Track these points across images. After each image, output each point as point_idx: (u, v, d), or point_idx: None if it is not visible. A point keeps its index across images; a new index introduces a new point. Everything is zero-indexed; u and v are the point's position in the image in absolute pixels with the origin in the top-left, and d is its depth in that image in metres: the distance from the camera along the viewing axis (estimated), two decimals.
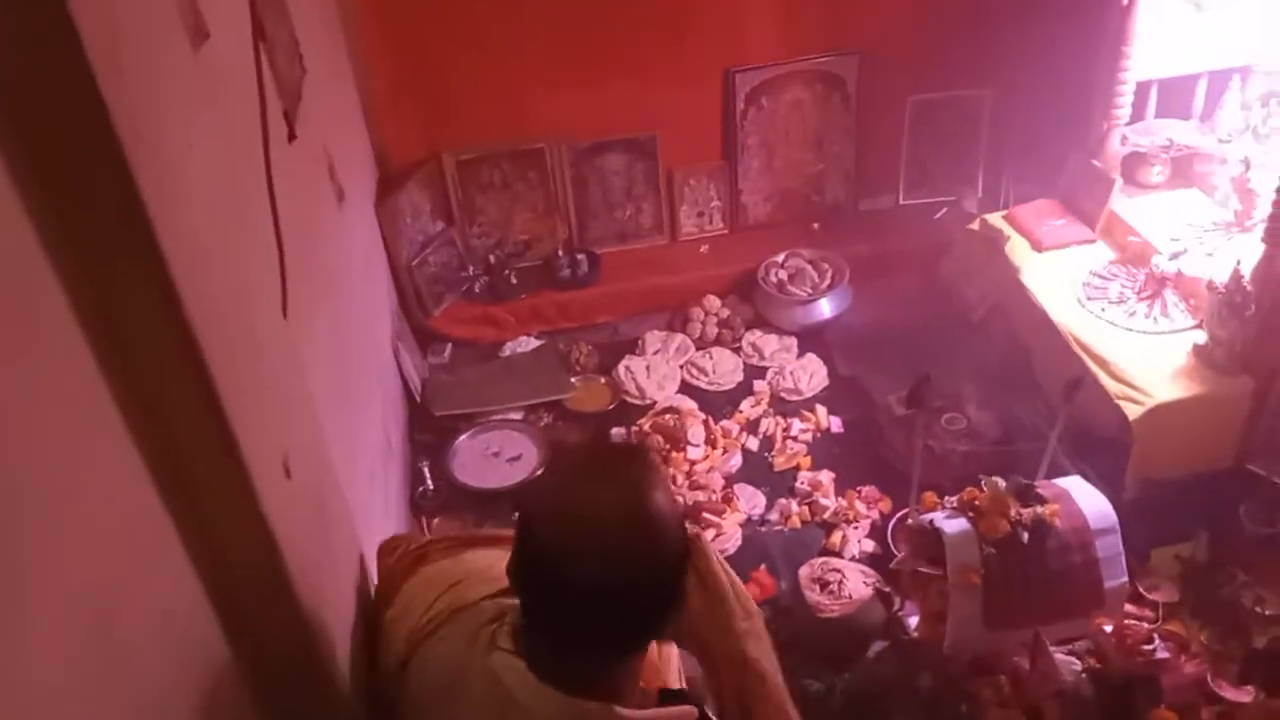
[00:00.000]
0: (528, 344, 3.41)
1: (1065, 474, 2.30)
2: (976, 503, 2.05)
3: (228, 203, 1.25)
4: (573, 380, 3.25)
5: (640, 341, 3.41)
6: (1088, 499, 2.12)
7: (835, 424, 3.09)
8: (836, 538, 2.69)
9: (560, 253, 3.53)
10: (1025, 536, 2.02)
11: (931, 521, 2.11)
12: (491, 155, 3.42)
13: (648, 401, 3.19)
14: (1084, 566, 2.06)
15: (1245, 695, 2.06)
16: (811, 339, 3.39)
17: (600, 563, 1.08)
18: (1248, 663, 2.07)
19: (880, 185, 3.71)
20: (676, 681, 1.49)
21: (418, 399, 3.12)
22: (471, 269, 3.49)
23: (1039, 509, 2.04)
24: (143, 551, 1.01)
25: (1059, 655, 1.89)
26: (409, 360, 3.16)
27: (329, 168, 2.49)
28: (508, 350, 3.39)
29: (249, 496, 1.12)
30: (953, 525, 2.06)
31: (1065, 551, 2.05)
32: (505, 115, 3.36)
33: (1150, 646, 1.79)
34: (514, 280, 3.48)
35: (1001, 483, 2.09)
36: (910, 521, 2.21)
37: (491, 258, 3.49)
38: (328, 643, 1.32)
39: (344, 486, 1.63)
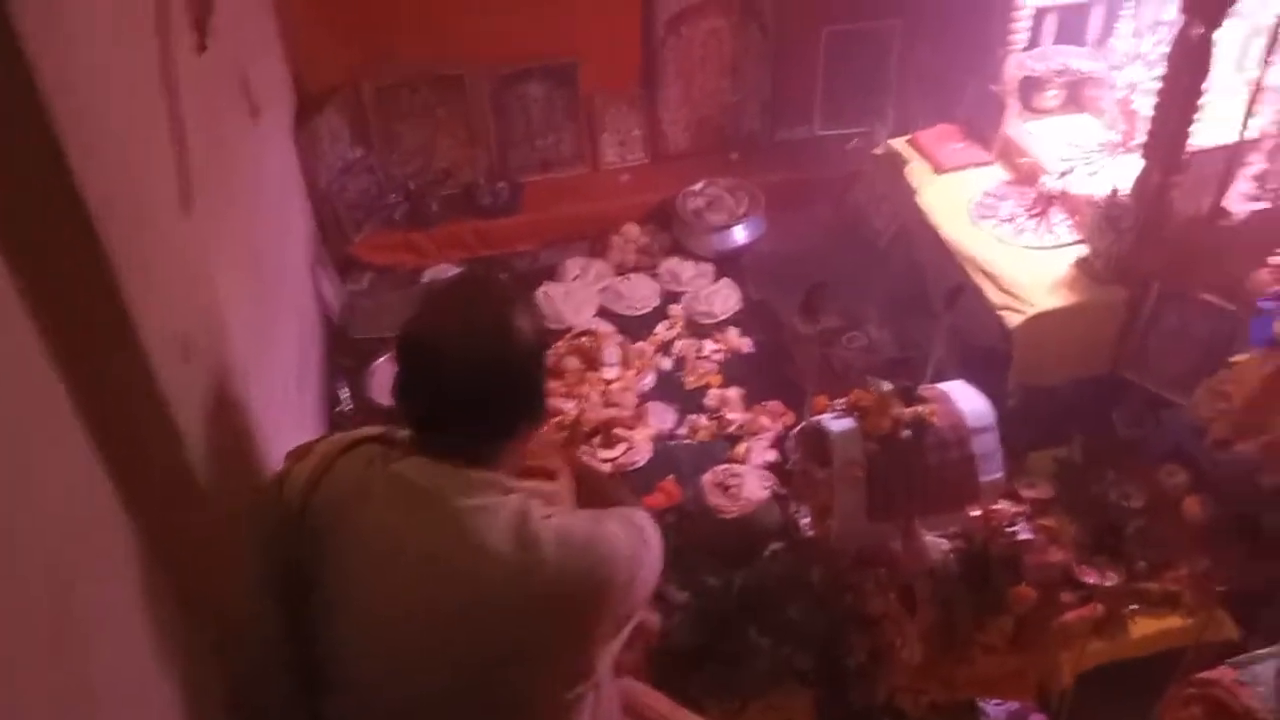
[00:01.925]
0: (447, 271, 3.45)
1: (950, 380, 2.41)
2: (862, 403, 2.15)
3: (126, 88, 1.29)
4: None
5: (560, 268, 3.47)
6: (967, 400, 2.23)
7: (746, 345, 3.19)
8: (741, 449, 2.81)
9: (481, 181, 3.56)
10: (906, 434, 2.13)
11: (820, 422, 2.21)
12: (411, 81, 3.43)
13: (565, 326, 3.26)
14: (961, 462, 2.18)
15: (1106, 580, 2.21)
16: (727, 265, 3.47)
17: (463, 353, 1.34)
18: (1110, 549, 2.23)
19: (797, 115, 3.78)
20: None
21: (336, 323, 3.15)
22: (392, 196, 3.51)
23: (920, 408, 2.15)
24: (44, 435, 1.05)
25: (929, 537, 2.01)
26: (328, 285, 3.19)
27: (242, 83, 2.50)
28: (427, 277, 3.43)
29: (147, 377, 1.17)
30: (839, 424, 2.17)
31: (944, 448, 2.17)
32: (425, 40, 3.36)
33: (1013, 529, 1.91)
34: (435, 207, 3.51)
35: (886, 385, 2.20)
36: (803, 424, 2.32)
37: (412, 185, 3.52)
38: (235, 532, 1.40)
39: (256, 393, 1.70)
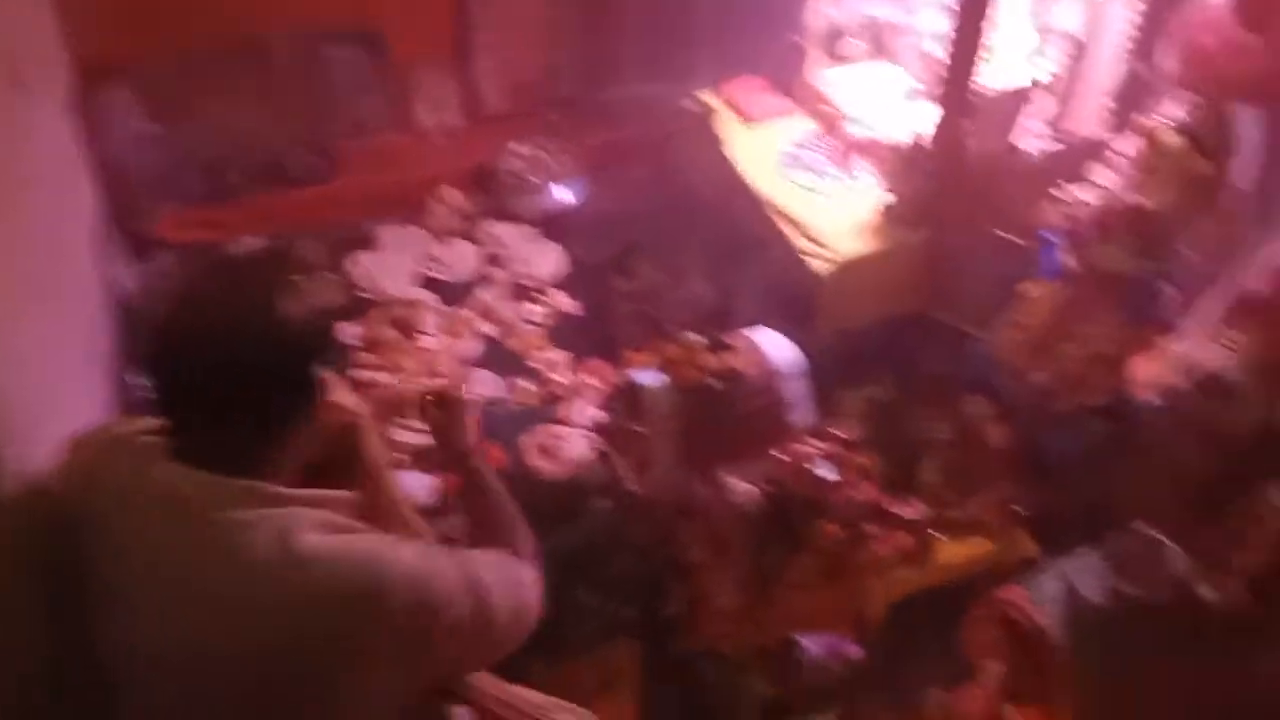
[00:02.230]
0: (251, 244, 3.27)
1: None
2: (671, 357, 2.14)
3: None
4: (297, 279, 3.14)
5: (376, 237, 3.34)
6: (776, 347, 2.25)
7: (571, 307, 3.15)
8: (567, 410, 2.77)
9: (289, 150, 3.38)
10: (716, 384, 2.13)
11: (632, 377, 2.19)
12: (207, 48, 3.21)
13: (382, 296, 3.14)
14: (772, 408, 2.20)
15: (914, 512, 2.27)
16: (550, 227, 3.41)
17: (216, 347, 1.21)
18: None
19: (615, 74, 3.72)
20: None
21: (131, 308, 2.95)
22: (193, 171, 3.30)
23: (728, 358, 2.16)
24: None
25: (736, 484, 2.03)
26: (122, 267, 2.98)
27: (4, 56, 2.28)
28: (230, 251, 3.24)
29: None
30: (650, 379, 2.16)
31: (754, 395, 2.18)
32: (221, 4, 3.16)
33: (817, 469, 1.94)
34: (240, 180, 3.31)
35: (695, 336, 2.19)
36: (617, 381, 2.30)
37: (214, 158, 3.31)
38: None
39: (14, 383, 1.58)
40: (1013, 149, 2.43)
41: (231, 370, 1.21)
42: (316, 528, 1.23)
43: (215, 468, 1.22)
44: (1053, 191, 2.24)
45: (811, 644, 2.21)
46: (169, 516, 1.22)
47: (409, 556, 1.26)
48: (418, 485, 2.57)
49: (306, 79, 3.36)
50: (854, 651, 2.25)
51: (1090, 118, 2.40)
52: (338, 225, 3.39)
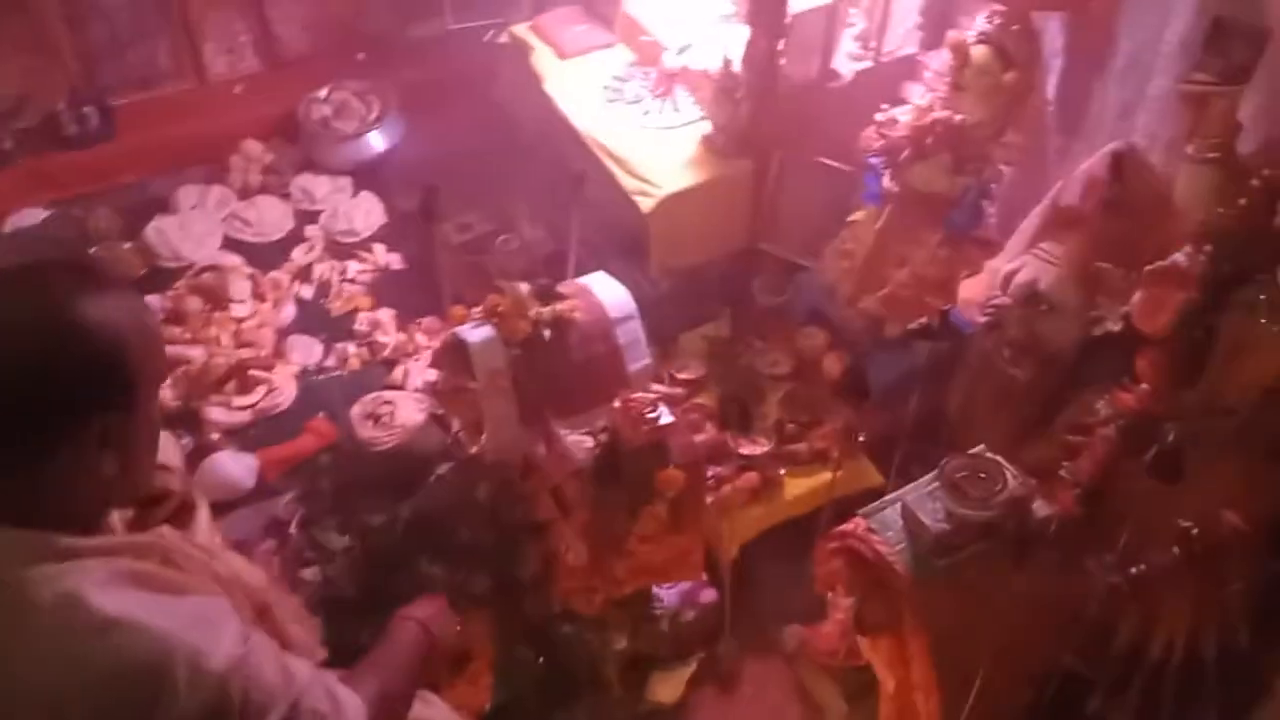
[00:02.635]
0: (35, 215, 2.96)
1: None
2: (498, 309, 2.03)
3: None
4: (92, 251, 2.87)
5: (173, 198, 3.07)
6: (607, 291, 2.16)
7: (395, 261, 2.98)
8: (399, 373, 2.63)
9: (64, 106, 3.05)
10: (547, 334, 2.03)
11: (458, 333, 2.07)
12: None
13: (185, 263, 2.90)
14: (607, 355, 2.11)
15: (757, 448, 2.25)
16: (366, 177, 3.22)
17: None
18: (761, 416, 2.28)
19: (427, 8, 3.51)
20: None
21: None
22: None
23: (558, 306, 2.06)
24: None
25: (571, 437, 1.95)
26: None
27: None
28: (9, 226, 2.93)
29: None
30: (478, 334, 2.03)
31: (588, 343, 2.09)
32: None
33: (654, 414, 1.89)
34: (8, 144, 2.99)
35: (522, 286, 2.08)
36: (443, 339, 2.17)
37: None
38: None
39: None
40: (829, 70, 2.39)
41: (7, 404, 0.99)
42: (116, 582, 1.03)
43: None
44: (873, 114, 2.22)
45: (667, 593, 2.18)
46: None
47: (228, 645, 1.04)
48: (236, 465, 2.40)
49: (76, 25, 3.03)
50: (709, 596, 2.23)
51: (904, 35, 2.38)
52: (128, 188, 3.10)
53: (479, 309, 2.16)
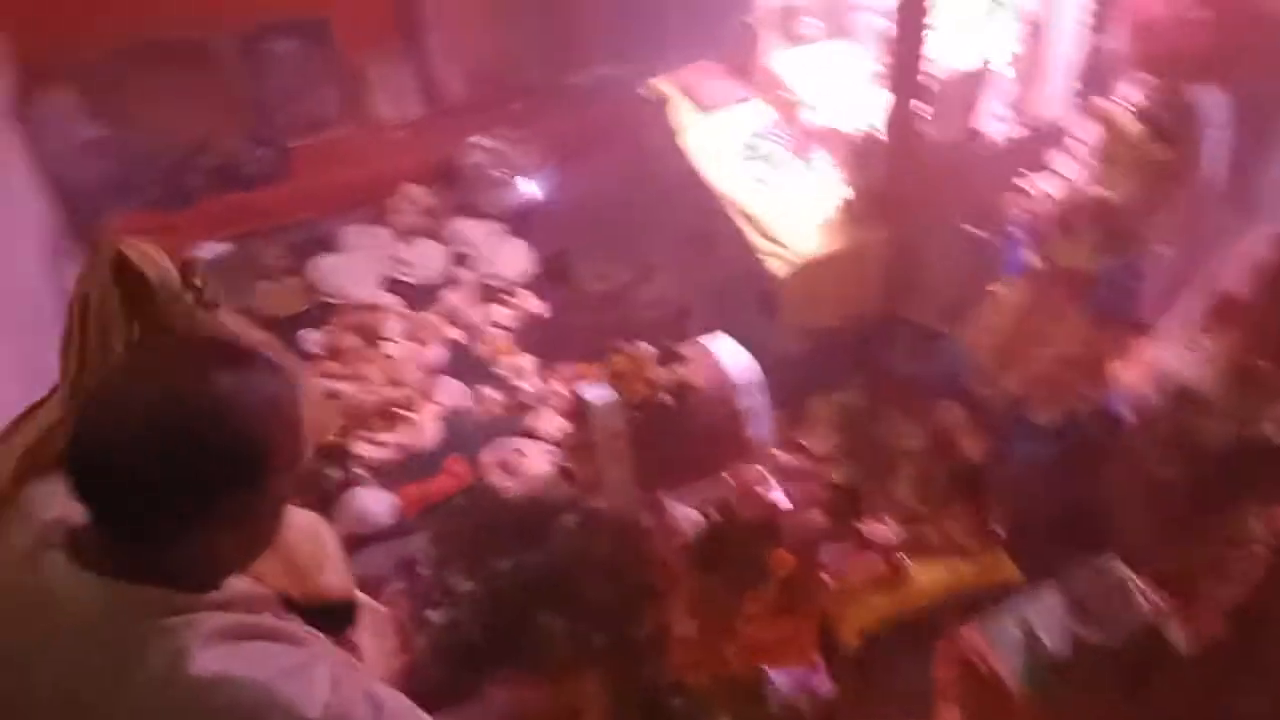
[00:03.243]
0: (214, 249, 3.19)
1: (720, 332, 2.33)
2: (619, 370, 2.06)
3: None
4: (261, 285, 3.08)
5: (338, 238, 3.25)
6: (730, 355, 2.16)
7: (540, 308, 3.06)
8: (534, 420, 2.69)
9: (242, 150, 3.29)
10: (667, 398, 2.05)
11: (580, 392, 2.11)
12: (150, 48, 3.12)
13: (344, 300, 3.06)
14: (727, 421, 2.11)
15: (886, 530, 2.18)
16: (518, 222, 3.32)
17: (123, 434, 1.05)
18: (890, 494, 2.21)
19: (582, 59, 3.60)
20: (341, 587, 1.45)
21: None
22: (143, 174, 3.21)
23: (679, 370, 2.07)
24: None
25: (680, 509, 1.94)
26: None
27: None
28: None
29: None
30: (598, 394, 2.07)
31: (708, 408, 2.10)
32: (159, 3, 3.05)
33: (768, 491, 1.86)
34: (193, 183, 3.24)
35: (644, 347, 2.10)
36: (569, 395, 2.21)
37: (163, 160, 3.23)
38: None
39: None
40: (973, 135, 2.31)
41: (144, 472, 1.04)
42: (220, 637, 1.08)
43: (111, 572, 1.07)
44: (1016, 181, 2.12)
45: (780, 677, 2.11)
46: (49, 617, 1.08)
47: (322, 693, 1.08)
48: (377, 501, 2.50)
49: (253, 75, 3.26)
50: (824, 685, 2.13)
51: (1053, 100, 2.27)
52: (297, 226, 3.31)
53: (602, 367, 2.20)
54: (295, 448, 1.18)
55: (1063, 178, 2.03)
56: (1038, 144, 2.22)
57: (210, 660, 1.05)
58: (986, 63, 2.25)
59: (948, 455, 2.30)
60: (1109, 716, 1.60)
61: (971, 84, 2.22)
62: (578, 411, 2.20)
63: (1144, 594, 1.57)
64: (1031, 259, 2.08)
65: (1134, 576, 1.60)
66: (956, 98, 2.22)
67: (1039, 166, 2.14)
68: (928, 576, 2.12)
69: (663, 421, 2.06)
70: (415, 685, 1.70)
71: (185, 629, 1.06)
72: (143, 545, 1.08)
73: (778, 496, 1.86)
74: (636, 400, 2.05)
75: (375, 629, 1.57)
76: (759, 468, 1.90)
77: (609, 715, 2.14)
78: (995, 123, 2.37)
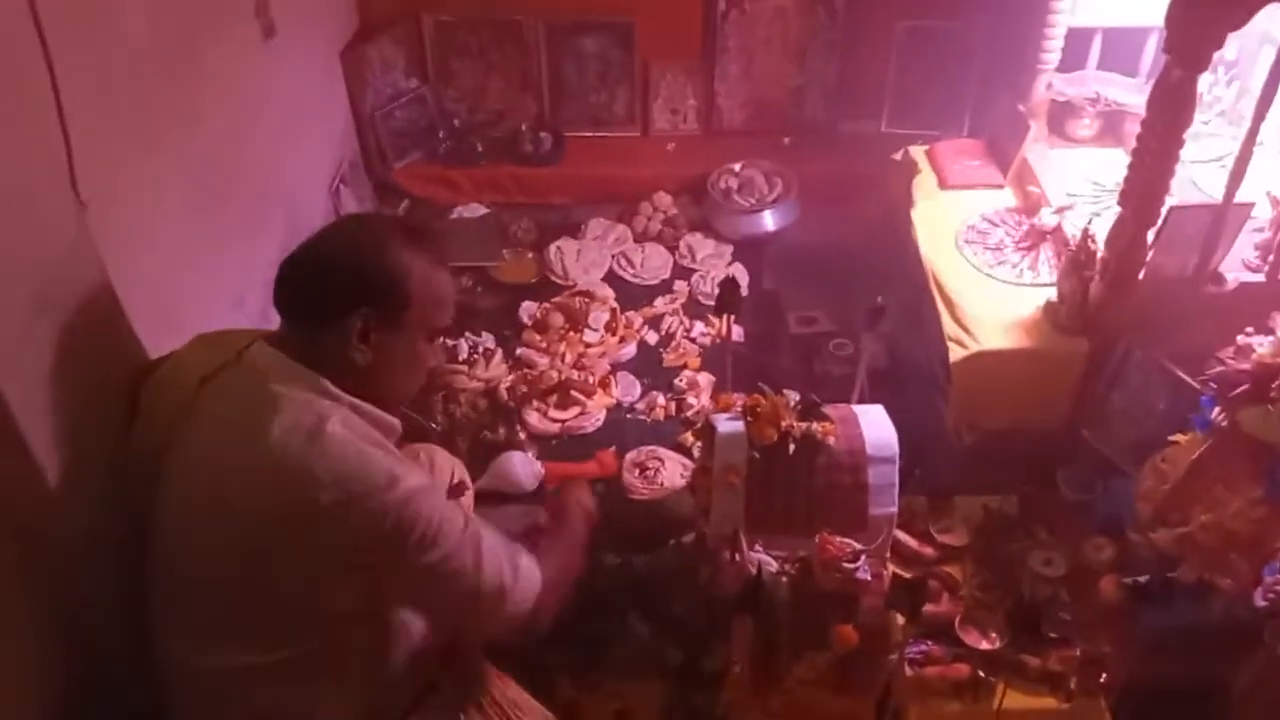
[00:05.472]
0: (476, 210, 3.52)
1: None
2: (755, 409, 2.08)
3: None
4: (504, 252, 3.36)
5: (583, 226, 3.48)
6: (875, 427, 2.11)
7: (737, 333, 3.11)
8: (689, 436, 2.77)
9: (527, 128, 3.59)
10: (791, 448, 2.05)
11: (712, 420, 2.15)
12: (470, 21, 3.50)
13: (570, 282, 3.27)
14: (852, 489, 2.07)
15: (984, 643, 2.07)
16: (747, 250, 3.40)
17: (308, 250, 1.46)
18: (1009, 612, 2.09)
19: (864, 109, 3.62)
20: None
21: None
22: (440, 131, 3.60)
23: (815, 425, 2.06)
24: None
25: (757, 554, 1.94)
26: (354, 204, 3.30)
27: (259, 6, 2.61)
28: (456, 213, 3.51)
29: None
30: (727, 425, 2.10)
31: (835, 471, 2.07)
32: None
33: (852, 566, 1.82)
34: (479, 148, 3.58)
35: (791, 394, 2.12)
36: (706, 419, 2.26)
37: (459, 122, 3.60)
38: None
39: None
40: (1207, 273, 2.12)
41: (311, 275, 1.43)
42: (348, 427, 1.36)
43: (290, 354, 1.41)
44: (1240, 336, 1.93)
45: None
46: (239, 385, 1.41)
47: (415, 482, 1.37)
48: (526, 467, 2.67)
49: (554, 63, 3.55)
50: None
51: None
52: (551, 208, 3.57)
53: (745, 401, 2.23)
54: (432, 317, 1.50)
55: (1275, 342, 1.83)
56: (1273, 300, 2.01)
57: (339, 429, 1.35)
58: (1244, 204, 2.07)
59: (1083, 591, 2.14)
60: None
61: (1208, 220, 2.04)
62: (707, 437, 2.25)
63: None
64: (1219, 418, 1.89)
65: None
66: (1190, 232, 2.05)
67: (1265, 325, 1.94)
68: (1013, 702, 1.99)
69: (782, 469, 2.06)
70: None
71: (328, 408, 1.37)
72: (305, 335, 1.42)
73: (861, 573, 1.82)
74: (764, 442, 2.07)
75: None
76: (853, 542, 1.86)
77: None
78: (1244, 270, 2.17)
